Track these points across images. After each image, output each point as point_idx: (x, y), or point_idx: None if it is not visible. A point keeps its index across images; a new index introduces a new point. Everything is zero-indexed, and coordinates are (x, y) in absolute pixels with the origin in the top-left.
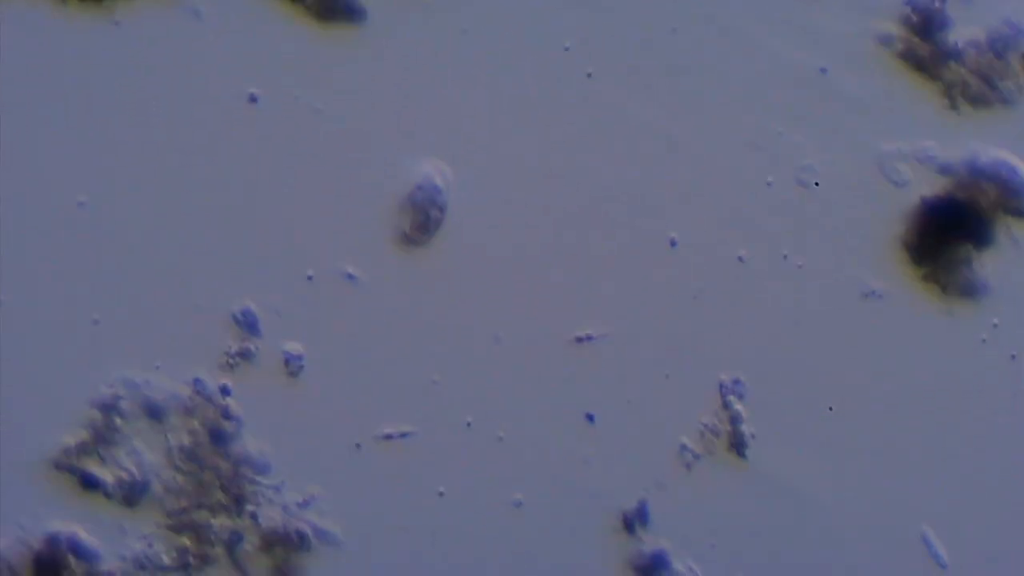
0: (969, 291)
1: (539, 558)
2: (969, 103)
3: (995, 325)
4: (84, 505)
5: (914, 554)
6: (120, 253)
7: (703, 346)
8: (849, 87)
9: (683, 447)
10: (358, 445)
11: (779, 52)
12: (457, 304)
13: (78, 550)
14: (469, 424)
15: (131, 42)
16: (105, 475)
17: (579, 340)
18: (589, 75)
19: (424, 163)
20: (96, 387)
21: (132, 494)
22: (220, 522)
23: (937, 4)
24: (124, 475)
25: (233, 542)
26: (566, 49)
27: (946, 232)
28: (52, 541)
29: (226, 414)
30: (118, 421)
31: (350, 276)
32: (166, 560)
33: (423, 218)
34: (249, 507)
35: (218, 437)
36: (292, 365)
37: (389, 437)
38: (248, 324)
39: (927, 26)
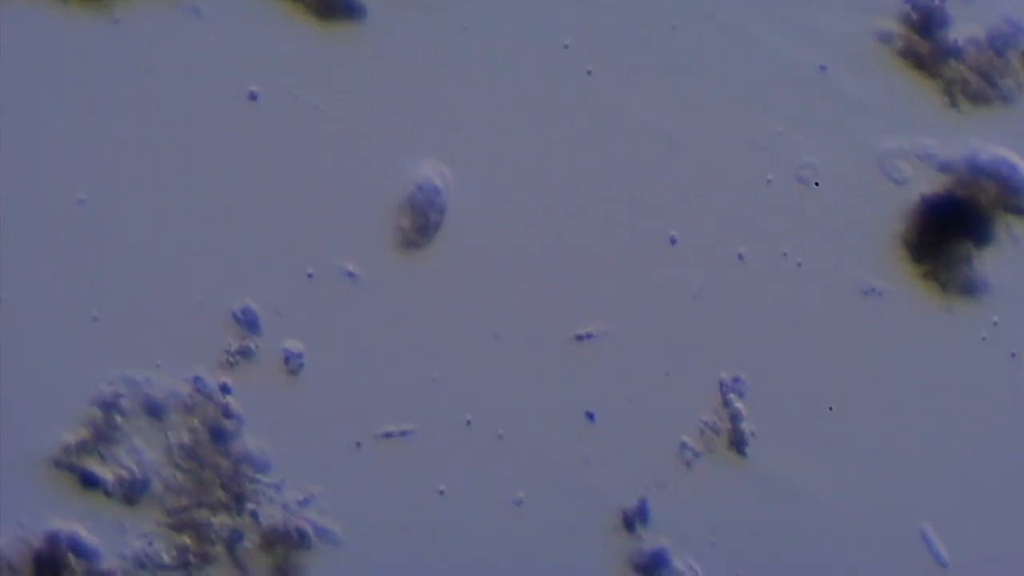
0: (969, 289)
1: (539, 556)
2: (969, 101)
3: (995, 323)
4: (84, 503)
5: (914, 553)
6: (120, 251)
7: (703, 344)
8: (849, 85)
9: (683, 445)
10: (358, 443)
11: (779, 50)
12: (457, 302)
13: (78, 548)
14: (469, 422)
15: (131, 40)
16: (105, 473)
17: (579, 338)
18: (589, 72)
19: (423, 163)
20: (96, 385)
21: (132, 492)
22: (220, 520)
23: (937, 2)
24: (124, 473)
25: (233, 540)
26: (566, 47)
27: (946, 230)
28: (52, 539)
29: (226, 412)
30: (118, 419)
31: (350, 274)
32: (166, 559)
33: (423, 221)
34: (249, 505)
35: (218, 435)
36: (292, 363)
37: (389, 435)
38: (248, 322)
39: (927, 24)
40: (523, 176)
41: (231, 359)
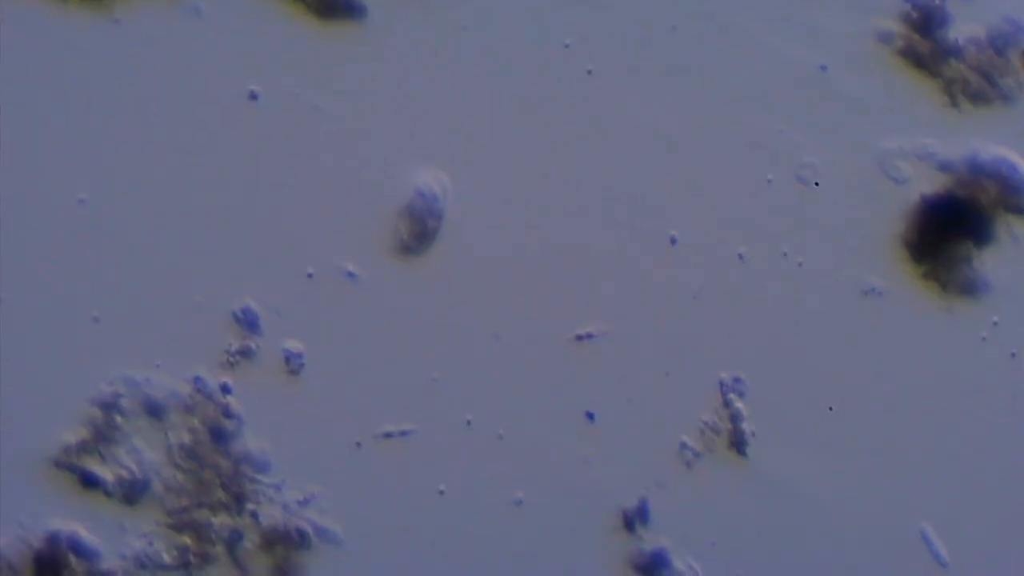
0: (969, 289)
1: (539, 557)
2: (969, 100)
3: (995, 323)
4: (84, 503)
5: (914, 553)
6: (120, 251)
7: (703, 344)
8: (849, 85)
9: (683, 445)
10: (358, 443)
11: (779, 50)
12: (457, 302)
13: (78, 549)
14: (469, 422)
15: (131, 40)
16: (105, 473)
17: (579, 338)
18: (589, 72)
19: (422, 167)
20: (96, 385)
21: (132, 492)
22: (220, 520)
23: (937, 1)
24: (124, 473)
25: (233, 540)
26: (566, 46)
27: (946, 230)
28: (52, 539)
29: (226, 412)
30: (118, 419)
31: (350, 274)
32: (166, 559)
33: (421, 228)
34: (249, 505)
35: (218, 435)
36: (292, 363)
37: (389, 435)
38: (248, 322)
39: (927, 23)
40: (523, 175)
41: (231, 359)
